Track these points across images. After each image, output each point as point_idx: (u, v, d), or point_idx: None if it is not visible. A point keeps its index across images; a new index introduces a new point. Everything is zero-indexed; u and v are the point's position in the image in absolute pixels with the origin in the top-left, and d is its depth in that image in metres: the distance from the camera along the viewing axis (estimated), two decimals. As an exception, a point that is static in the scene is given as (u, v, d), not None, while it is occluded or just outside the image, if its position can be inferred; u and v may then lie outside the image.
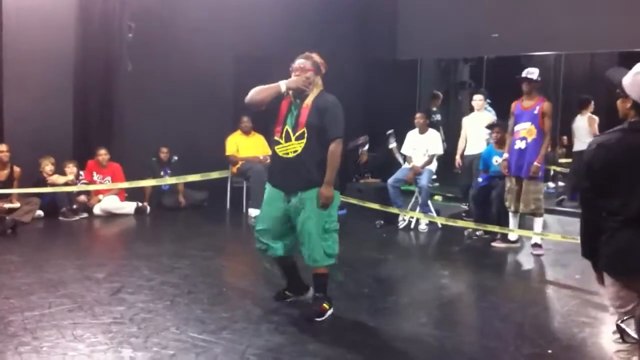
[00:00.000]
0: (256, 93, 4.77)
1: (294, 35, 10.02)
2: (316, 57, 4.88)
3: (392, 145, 9.80)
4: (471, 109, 9.37)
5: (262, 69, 10.76)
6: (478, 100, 9.07)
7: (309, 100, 4.77)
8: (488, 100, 9.34)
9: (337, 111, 4.79)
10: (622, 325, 1.14)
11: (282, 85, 4.78)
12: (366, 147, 10.55)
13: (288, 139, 4.77)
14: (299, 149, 4.72)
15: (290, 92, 4.82)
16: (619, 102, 3.17)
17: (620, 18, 9.79)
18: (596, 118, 10.22)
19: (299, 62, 4.83)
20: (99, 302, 5.05)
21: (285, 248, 4.93)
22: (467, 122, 9.19)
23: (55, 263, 6.21)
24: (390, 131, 9.95)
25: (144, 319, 4.69)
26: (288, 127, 4.78)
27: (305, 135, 4.71)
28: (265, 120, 9.91)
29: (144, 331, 4.44)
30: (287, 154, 4.77)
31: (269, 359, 4.05)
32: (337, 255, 4.87)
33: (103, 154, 9.06)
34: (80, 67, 9.19)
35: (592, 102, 10.37)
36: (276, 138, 4.85)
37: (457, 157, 9.22)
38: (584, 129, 10.15)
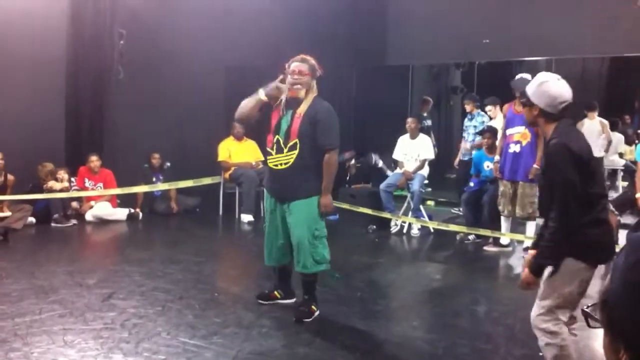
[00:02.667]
0: (241, 108, 4.84)
1: (284, 42, 10.04)
2: (312, 60, 4.83)
3: (380, 164, 9.94)
4: (464, 114, 9.42)
5: (253, 76, 10.82)
6: (465, 105, 9.13)
7: (302, 109, 4.72)
8: (477, 104, 9.37)
9: (331, 120, 4.77)
10: (588, 311, 1.16)
11: (261, 94, 4.78)
12: (352, 161, 10.55)
13: (279, 150, 4.75)
14: (290, 161, 4.71)
15: (281, 102, 4.77)
16: (525, 110, 3.36)
17: (610, 23, 9.86)
18: (606, 122, 10.24)
19: (295, 65, 4.76)
20: (90, 307, 5.03)
21: (283, 257, 5.05)
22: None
23: (47, 269, 6.20)
24: (375, 155, 10.09)
25: (135, 324, 4.69)
26: (279, 137, 4.75)
27: (298, 145, 4.69)
28: (257, 127, 9.96)
29: (135, 336, 4.43)
30: (277, 165, 4.77)
31: (260, 363, 4.05)
32: (328, 261, 4.89)
33: (94, 161, 9.04)
34: (72, 74, 9.18)
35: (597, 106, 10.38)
36: (267, 149, 4.85)
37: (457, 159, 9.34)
38: (597, 133, 10.16)
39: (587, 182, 3.10)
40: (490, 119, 9.07)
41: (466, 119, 9.61)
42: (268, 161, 4.88)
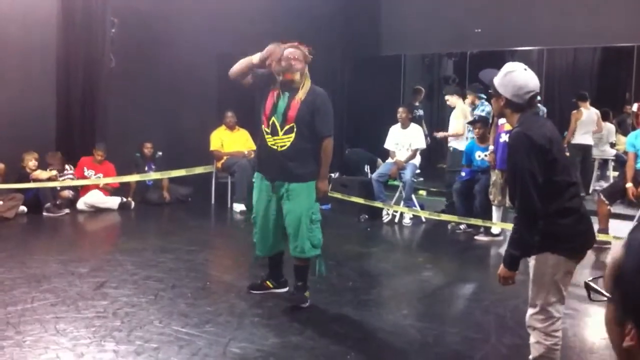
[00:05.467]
0: (235, 66, 4.88)
1: (277, 31, 9.98)
2: (303, 47, 4.83)
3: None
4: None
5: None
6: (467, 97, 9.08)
7: (300, 95, 4.73)
8: (483, 95, 9.23)
9: (329, 108, 4.82)
10: (592, 284, 1.17)
11: (255, 57, 4.80)
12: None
13: (274, 132, 4.75)
14: (287, 144, 4.72)
15: (278, 83, 4.77)
16: (492, 101, 3.37)
17: (601, 13, 9.89)
18: (598, 112, 10.32)
19: (290, 51, 4.74)
20: (82, 296, 5.04)
21: (278, 245, 5.05)
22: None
23: (39, 258, 6.19)
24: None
25: (127, 313, 4.70)
26: (275, 120, 4.74)
27: (295, 130, 4.70)
28: (250, 116, 9.95)
29: (127, 325, 4.44)
30: (274, 146, 4.76)
31: (252, 351, 4.07)
32: (321, 245, 4.92)
33: (101, 155, 9.02)
34: (63, 62, 9.12)
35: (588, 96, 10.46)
36: (263, 127, 4.83)
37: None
38: (592, 123, 10.23)
39: (551, 171, 3.09)
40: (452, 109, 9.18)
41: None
42: (265, 139, 4.81)
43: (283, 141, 4.73)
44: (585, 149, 10.22)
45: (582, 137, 10.19)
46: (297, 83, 4.76)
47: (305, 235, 4.78)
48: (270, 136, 4.78)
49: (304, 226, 4.77)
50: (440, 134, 9.23)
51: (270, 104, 4.80)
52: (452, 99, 9.08)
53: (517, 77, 3.18)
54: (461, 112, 8.92)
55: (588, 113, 10.27)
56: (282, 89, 4.78)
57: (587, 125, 10.27)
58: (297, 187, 4.76)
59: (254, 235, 5.08)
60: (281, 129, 4.73)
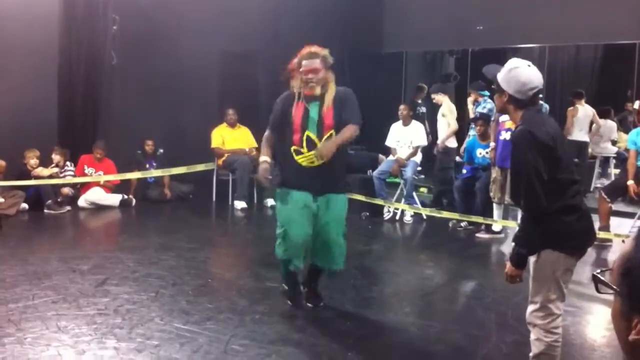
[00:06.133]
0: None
1: (278, 28, 10.05)
2: (320, 50, 4.59)
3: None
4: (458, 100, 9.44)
5: (247, 62, 10.83)
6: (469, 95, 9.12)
7: (328, 102, 4.55)
8: (486, 93, 9.20)
9: (355, 100, 4.66)
10: (599, 276, 1.17)
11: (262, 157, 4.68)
12: None
13: (312, 146, 4.50)
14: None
15: (302, 97, 4.56)
16: (495, 97, 3.37)
17: (603, 11, 9.87)
18: (593, 110, 10.35)
19: (306, 63, 4.50)
20: (84, 293, 5.04)
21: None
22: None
23: (40, 255, 6.20)
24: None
25: (128, 310, 4.70)
26: (310, 133, 4.51)
27: (334, 137, 4.52)
28: (251, 113, 9.93)
29: (129, 322, 4.44)
30: (313, 162, 4.50)
31: (253, 348, 4.07)
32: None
33: (100, 152, 9.02)
34: (65, 59, 9.13)
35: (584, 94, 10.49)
36: (295, 148, 4.54)
37: None
38: (588, 120, 10.25)
39: (554, 168, 3.09)
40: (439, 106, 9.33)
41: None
42: (299, 160, 4.53)
43: None
44: (581, 146, 10.23)
45: (577, 134, 10.21)
46: (317, 95, 4.56)
47: (343, 247, 4.64)
48: (305, 153, 4.51)
49: (341, 238, 4.63)
50: (440, 146, 9.22)
51: (299, 118, 4.54)
52: (437, 97, 9.26)
53: (520, 73, 3.17)
54: (447, 108, 9.12)
55: (584, 110, 10.29)
56: (307, 100, 4.57)
57: (583, 122, 10.30)
58: (336, 198, 4.60)
59: (282, 252, 4.61)
60: (319, 140, 4.50)
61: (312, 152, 4.48)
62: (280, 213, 4.64)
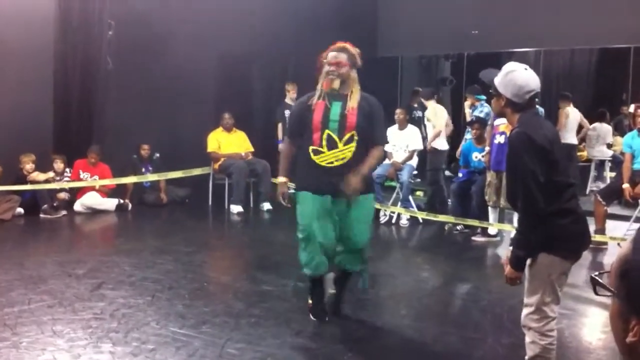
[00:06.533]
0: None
1: (274, 32, 10.04)
2: (351, 48, 4.53)
3: None
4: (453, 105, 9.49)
5: (243, 66, 10.84)
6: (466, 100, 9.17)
7: (354, 103, 4.46)
8: (483, 97, 9.19)
9: (382, 113, 4.63)
10: (597, 278, 1.17)
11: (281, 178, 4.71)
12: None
13: (333, 145, 4.40)
14: (349, 156, 4.39)
15: (322, 95, 4.48)
16: (493, 101, 3.37)
17: (597, 15, 9.91)
18: (580, 113, 10.44)
19: (333, 54, 4.45)
20: (79, 298, 5.03)
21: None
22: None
23: (36, 260, 6.19)
24: None
25: (124, 314, 4.69)
26: (330, 132, 4.41)
27: (355, 138, 4.41)
28: (246, 117, 9.93)
29: (124, 326, 4.43)
30: (332, 162, 4.40)
31: (249, 352, 4.07)
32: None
33: (94, 157, 9.00)
34: (60, 64, 9.12)
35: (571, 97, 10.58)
36: (314, 147, 4.43)
37: None
38: (576, 123, 10.33)
39: (551, 171, 3.10)
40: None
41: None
42: (317, 160, 4.41)
43: (344, 153, 4.39)
44: (570, 148, 10.27)
45: (566, 136, 10.28)
46: (342, 89, 4.47)
47: (366, 248, 4.63)
48: (325, 153, 4.40)
49: (367, 239, 4.60)
50: (428, 148, 9.25)
51: (319, 117, 4.43)
52: (426, 102, 9.49)
53: (517, 76, 3.18)
54: (432, 111, 9.28)
55: (573, 113, 10.36)
56: (329, 98, 4.47)
57: (572, 125, 10.36)
58: (361, 199, 4.48)
59: (306, 257, 4.51)
60: (340, 140, 4.40)
61: (333, 151, 4.41)
62: (301, 217, 4.50)
